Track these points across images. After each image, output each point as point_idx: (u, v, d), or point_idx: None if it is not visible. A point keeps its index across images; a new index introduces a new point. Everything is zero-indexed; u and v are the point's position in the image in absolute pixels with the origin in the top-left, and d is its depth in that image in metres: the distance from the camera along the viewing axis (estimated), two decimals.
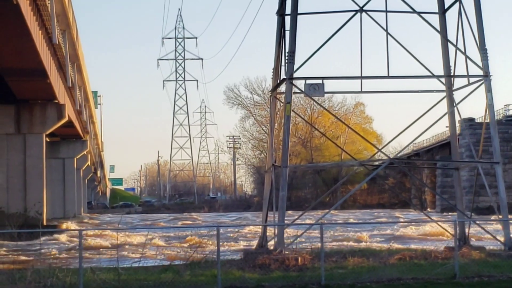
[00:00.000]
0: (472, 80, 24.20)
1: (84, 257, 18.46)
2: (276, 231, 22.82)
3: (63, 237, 40.33)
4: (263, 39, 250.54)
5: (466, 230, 24.71)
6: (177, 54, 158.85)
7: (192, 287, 16.35)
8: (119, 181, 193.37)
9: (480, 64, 23.59)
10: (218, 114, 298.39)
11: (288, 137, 22.82)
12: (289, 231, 30.30)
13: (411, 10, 24.38)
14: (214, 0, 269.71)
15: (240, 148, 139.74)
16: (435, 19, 25.28)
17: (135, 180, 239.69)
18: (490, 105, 23.57)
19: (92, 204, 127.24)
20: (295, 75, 23.00)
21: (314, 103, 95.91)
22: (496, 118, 25.64)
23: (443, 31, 25.28)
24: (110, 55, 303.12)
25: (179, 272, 17.50)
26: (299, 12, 23.13)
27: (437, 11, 25.41)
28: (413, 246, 28.07)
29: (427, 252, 22.50)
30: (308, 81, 22.94)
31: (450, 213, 72.03)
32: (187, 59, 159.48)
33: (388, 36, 23.87)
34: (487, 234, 25.78)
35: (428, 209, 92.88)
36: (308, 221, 42.86)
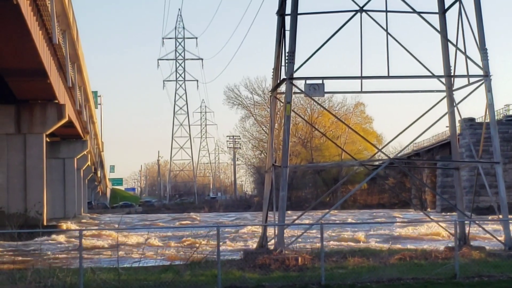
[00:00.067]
0: (472, 80, 24.21)
1: (84, 257, 18.44)
2: (276, 231, 22.82)
3: (61, 238, 40.17)
4: (263, 39, 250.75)
5: (466, 230, 24.71)
6: (177, 54, 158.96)
7: (192, 287, 16.35)
8: (119, 181, 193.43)
9: (480, 64, 23.59)
10: (218, 114, 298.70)
11: (288, 137, 22.82)
12: (289, 231, 30.28)
13: (411, 10, 24.38)
14: (214, 0, 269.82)
15: (240, 148, 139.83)
16: (435, 19, 25.30)
17: (135, 180, 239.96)
18: (490, 105, 23.57)
19: (92, 204, 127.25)
20: (295, 75, 23.00)
21: (314, 103, 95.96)
22: (496, 118, 25.63)
23: (443, 31, 25.29)
24: (110, 55, 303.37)
25: (179, 272, 17.50)
26: (299, 12, 23.13)
27: (437, 11, 25.41)
28: (409, 246, 28.05)
29: (427, 252, 22.50)
30: (308, 81, 22.94)
31: (449, 213, 72.09)
32: (187, 59, 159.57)
33: (388, 36, 23.88)
34: (487, 234, 25.79)
35: (428, 209, 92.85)
36: (307, 221, 42.92)
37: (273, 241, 23.17)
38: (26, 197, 46.05)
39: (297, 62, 22.99)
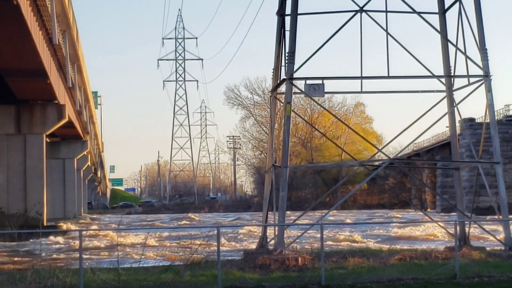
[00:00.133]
0: (472, 80, 24.20)
1: (83, 258, 18.42)
2: (276, 232, 22.81)
3: (58, 238, 39.95)
4: (263, 39, 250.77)
5: (466, 230, 24.71)
6: (177, 55, 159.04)
7: (192, 287, 16.35)
8: (119, 182, 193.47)
9: (480, 64, 23.58)
10: (218, 114, 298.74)
11: (288, 137, 22.81)
12: (289, 232, 30.29)
13: (411, 10, 24.37)
14: (214, 0, 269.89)
15: (240, 148, 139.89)
16: (435, 19, 25.29)
17: (135, 180, 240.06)
18: (490, 105, 23.56)
19: (92, 205, 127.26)
20: (295, 75, 23.00)
21: (314, 103, 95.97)
22: (496, 118, 25.60)
23: (443, 31, 25.28)
24: (110, 56, 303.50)
25: (179, 273, 17.50)
26: (299, 12, 23.12)
27: (437, 11, 25.40)
28: (405, 246, 28.05)
29: (427, 252, 22.51)
30: (308, 81, 22.93)
31: (449, 214, 72.06)
32: (187, 60, 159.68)
33: (388, 36, 23.87)
34: (487, 234, 25.78)
35: (428, 209, 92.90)
36: (307, 221, 42.92)
37: (273, 241, 23.17)
38: (26, 198, 46.03)
39: (297, 62, 23.02)
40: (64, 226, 52.06)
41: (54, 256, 30.08)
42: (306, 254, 20.87)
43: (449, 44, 25.14)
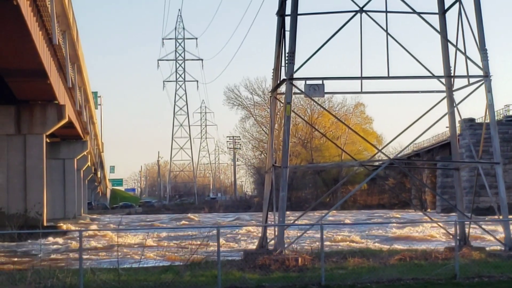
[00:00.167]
0: (472, 80, 24.20)
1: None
2: (276, 232, 22.81)
3: (57, 239, 39.83)
4: (263, 39, 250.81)
5: (466, 231, 24.70)
6: (177, 55, 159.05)
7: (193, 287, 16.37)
8: (119, 182, 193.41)
9: (480, 64, 23.58)
10: (218, 114, 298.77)
11: (288, 138, 22.82)
12: (289, 232, 30.29)
13: (411, 11, 24.37)
14: (214, 0, 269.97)
15: (240, 148, 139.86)
16: (435, 20, 25.29)
17: (135, 180, 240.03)
18: (490, 106, 23.56)
19: (92, 205, 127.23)
20: (295, 75, 23.00)
21: (314, 103, 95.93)
22: (496, 118, 25.60)
23: (443, 32, 25.29)
24: (110, 56, 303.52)
25: (179, 273, 17.50)
26: (299, 12, 23.13)
27: (437, 11, 25.41)
28: (402, 247, 28.04)
29: (427, 252, 22.50)
30: (308, 82, 22.94)
31: (447, 214, 72.07)
32: (187, 60, 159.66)
33: (388, 36, 23.88)
34: (487, 234, 25.78)
35: (428, 210, 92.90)
36: (306, 221, 42.92)
37: (273, 241, 23.17)
38: (26, 198, 46.02)
39: (297, 62, 23.03)
40: (64, 226, 52.06)
41: (52, 256, 29.96)
42: (306, 254, 20.87)
43: (449, 45, 25.14)
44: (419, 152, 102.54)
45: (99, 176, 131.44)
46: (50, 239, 39.69)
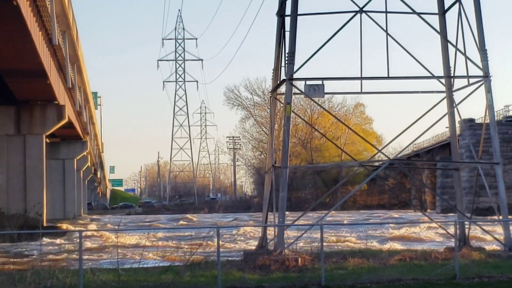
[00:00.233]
0: (472, 80, 24.20)
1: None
2: (276, 232, 22.81)
3: (54, 240, 39.66)
4: (263, 40, 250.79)
5: (466, 231, 24.70)
6: (177, 55, 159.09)
7: None
8: (119, 182, 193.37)
9: (480, 64, 23.58)
10: (218, 115, 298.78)
11: (288, 138, 22.81)
12: (289, 232, 30.29)
13: (411, 11, 24.38)
14: (214, 0, 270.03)
15: (240, 149, 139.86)
16: (435, 20, 25.30)
17: (135, 181, 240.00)
18: (490, 106, 23.56)
19: (92, 205, 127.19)
20: (295, 76, 23.00)
21: (314, 103, 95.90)
22: (496, 118, 25.62)
23: (443, 32, 25.29)
24: (110, 56, 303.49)
25: (179, 273, 17.50)
26: (299, 12, 23.13)
27: (437, 11, 25.41)
28: (404, 247, 28.05)
29: (427, 252, 22.51)
30: (308, 82, 22.95)
31: (446, 215, 72.06)
32: (187, 60, 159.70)
33: (388, 36, 23.88)
34: (486, 234, 25.78)
35: (428, 210, 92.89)
36: (306, 222, 42.81)
37: (273, 242, 23.16)
38: (26, 198, 46.01)
39: (297, 63, 23.03)
40: (64, 226, 52.06)
41: (48, 257, 29.79)
42: (306, 254, 20.86)
43: (449, 45, 25.14)
44: (419, 153, 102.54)
45: (99, 176, 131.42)
46: (46, 239, 39.40)
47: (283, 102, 23.84)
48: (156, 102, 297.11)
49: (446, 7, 25.30)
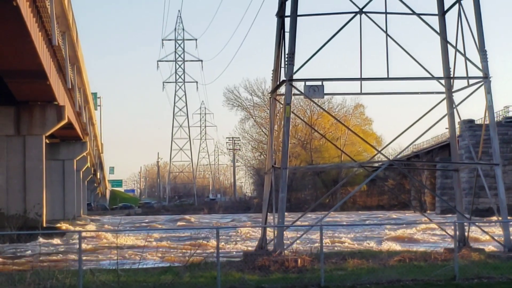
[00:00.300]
0: (471, 81, 24.21)
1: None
2: (275, 233, 22.81)
3: (55, 240, 39.66)
4: (263, 40, 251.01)
5: (466, 232, 24.71)
6: (177, 56, 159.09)
7: None
8: (118, 183, 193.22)
9: (480, 65, 23.58)
10: (218, 115, 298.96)
11: (287, 139, 22.82)
12: (288, 233, 30.31)
13: (410, 12, 24.38)
14: (214, 1, 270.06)
15: (239, 149, 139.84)
16: (434, 21, 25.31)
17: (135, 181, 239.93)
18: (489, 107, 23.56)
19: (92, 206, 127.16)
20: (294, 76, 23.01)
21: (314, 104, 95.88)
22: (495, 119, 25.61)
23: (442, 33, 25.29)
24: (110, 57, 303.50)
25: (178, 274, 17.50)
26: (298, 13, 23.14)
27: (436, 12, 25.42)
28: (404, 248, 28.05)
29: (426, 253, 22.51)
30: (308, 83, 22.95)
31: (446, 215, 72.07)
32: (186, 61, 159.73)
33: (388, 37, 23.90)
34: (486, 235, 25.78)
35: (428, 211, 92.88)
36: (306, 223, 42.86)
37: (272, 242, 23.17)
38: (25, 199, 46.00)
39: (297, 63, 23.04)
40: (64, 227, 52.04)
41: (44, 258, 29.64)
42: (306, 255, 20.86)
43: (449, 46, 25.15)
44: (419, 153, 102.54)
45: (98, 177, 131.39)
46: (42, 240, 39.19)
47: (282, 103, 23.85)
48: (155, 103, 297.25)
49: (446, 8, 25.31)
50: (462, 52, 24.21)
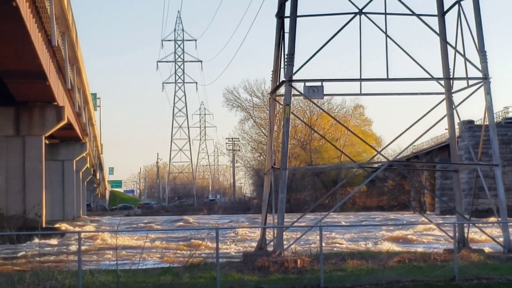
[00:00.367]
0: (471, 82, 24.21)
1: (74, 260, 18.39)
2: (275, 233, 22.81)
3: (53, 241, 39.58)
4: (262, 41, 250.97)
5: (465, 233, 24.70)
6: (177, 56, 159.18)
7: None
8: (118, 183, 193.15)
9: (480, 66, 23.59)
10: (218, 116, 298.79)
11: (287, 139, 22.82)
12: (288, 234, 30.31)
13: (410, 13, 24.38)
14: (214, 2, 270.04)
15: (239, 150, 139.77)
16: (434, 22, 25.31)
17: (135, 182, 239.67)
18: (489, 108, 23.56)
19: (92, 207, 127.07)
20: (294, 77, 23.01)
21: (314, 105, 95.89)
22: (495, 120, 25.64)
23: (442, 34, 25.30)
24: (110, 57, 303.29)
25: (178, 275, 17.50)
26: (298, 14, 23.15)
27: (436, 13, 25.43)
28: (403, 249, 28.05)
29: (426, 254, 22.50)
30: (308, 83, 22.95)
31: (445, 216, 72.02)
32: (186, 61, 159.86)
33: (388, 38, 23.90)
34: (485, 236, 25.78)
35: (428, 212, 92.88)
36: (304, 224, 42.83)
37: (272, 243, 23.16)
38: (25, 199, 46.02)
39: (297, 64, 23.04)
40: (63, 227, 52.02)
41: (40, 259, 29.53)
42: (305, 256, 20.86)
43: (448, 46, 25.15)
44: (418, 154, 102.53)
45: (98, 177, 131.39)
46: (36, 241, 38.99)
47: (282, 103, 23.85)
48: (155, 104, 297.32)
49: (445, 9, 25.31)
50: (462, 52, 24.21)
